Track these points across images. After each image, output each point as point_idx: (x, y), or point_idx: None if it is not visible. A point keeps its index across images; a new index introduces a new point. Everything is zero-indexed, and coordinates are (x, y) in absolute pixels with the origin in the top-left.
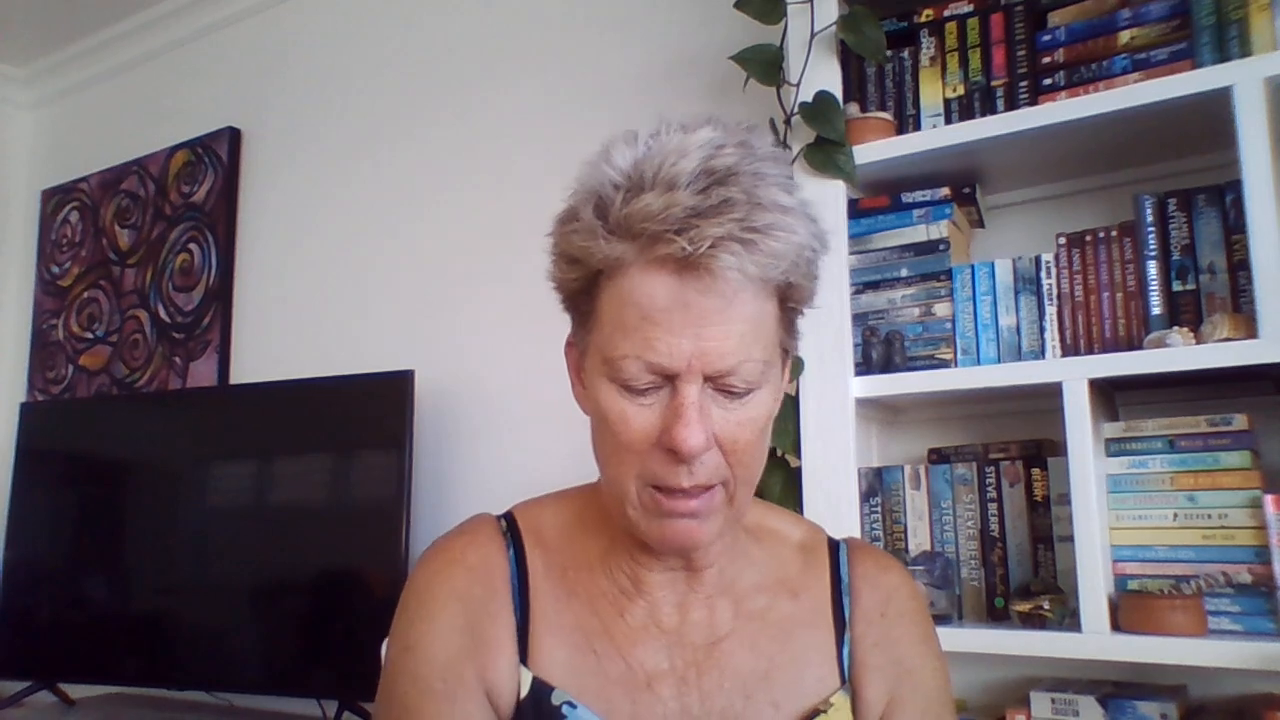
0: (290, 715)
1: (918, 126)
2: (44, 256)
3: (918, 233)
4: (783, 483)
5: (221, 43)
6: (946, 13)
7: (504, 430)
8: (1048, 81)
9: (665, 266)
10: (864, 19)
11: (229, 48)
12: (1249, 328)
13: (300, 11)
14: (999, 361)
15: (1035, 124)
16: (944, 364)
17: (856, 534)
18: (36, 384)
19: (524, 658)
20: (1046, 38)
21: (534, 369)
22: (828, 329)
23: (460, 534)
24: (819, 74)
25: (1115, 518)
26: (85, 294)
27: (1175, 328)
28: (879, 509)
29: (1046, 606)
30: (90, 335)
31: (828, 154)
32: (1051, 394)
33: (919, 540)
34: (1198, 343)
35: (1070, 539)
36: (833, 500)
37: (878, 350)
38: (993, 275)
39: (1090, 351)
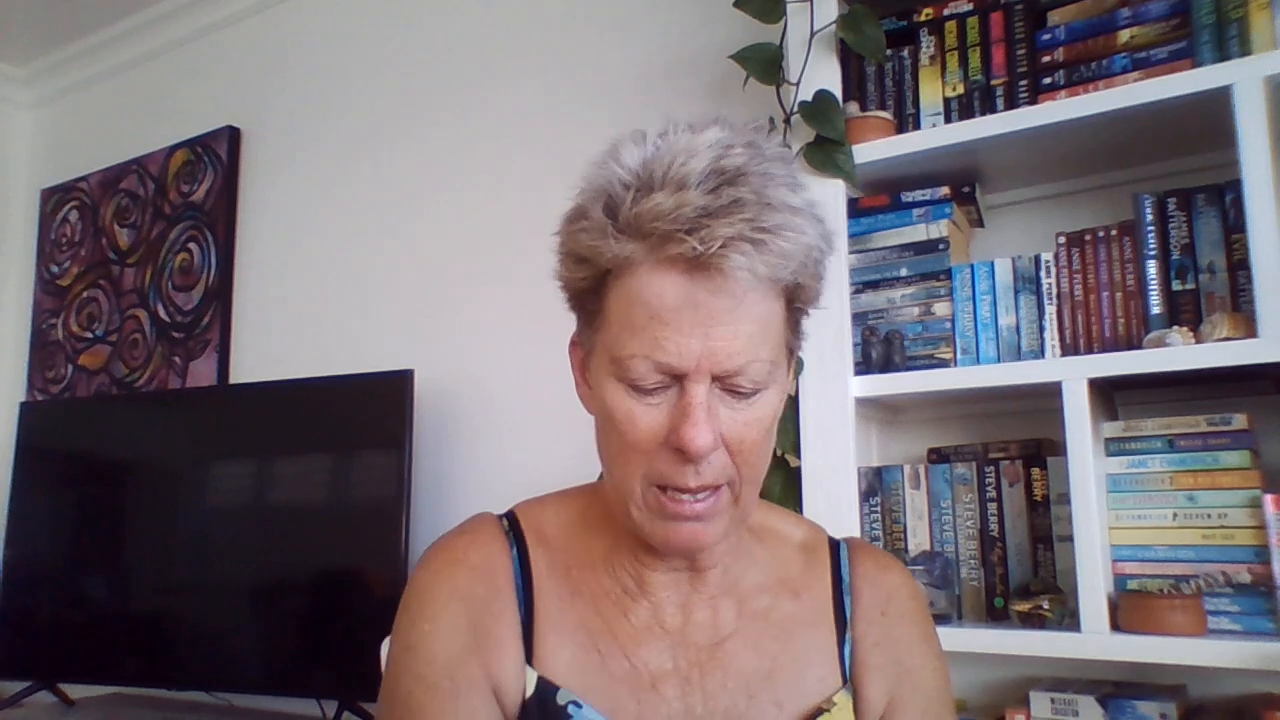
0: (290, 715)
1: (917, 126)
2: (44, 256)
3: (917, 232)
4: (783, 482)
5: (221, 42)
6: (946, 12)
7: (504, 430)
8: (1047, 81)
9: (675, 266)
10: (864, 18)
11: (229, 47)
12: (1248, 327)
13: (300, 11)
14: (998, 361)
15: (1035, 123)
16: (943, 363)
17: (856, 534)
18: (36, 383)
19: (529, 657)
20: (1046, 37)
21: (534, 369)
22: (827, 328)
23: (462, 533)
24: (819, 73)
25: (1115, 517)
26: (85, 293)
27: (1175, 327)
28: (879, 509)
29: (1046, 606)
30: (90, 335)
31: (827, 153)
32: (1051, 393)
33: (919, 540)
34: (1197, 342)
35: (1070, 539)
36: (832, 500)
37: (877, 350)
38: (992, 275)
39: (1090, 351)
